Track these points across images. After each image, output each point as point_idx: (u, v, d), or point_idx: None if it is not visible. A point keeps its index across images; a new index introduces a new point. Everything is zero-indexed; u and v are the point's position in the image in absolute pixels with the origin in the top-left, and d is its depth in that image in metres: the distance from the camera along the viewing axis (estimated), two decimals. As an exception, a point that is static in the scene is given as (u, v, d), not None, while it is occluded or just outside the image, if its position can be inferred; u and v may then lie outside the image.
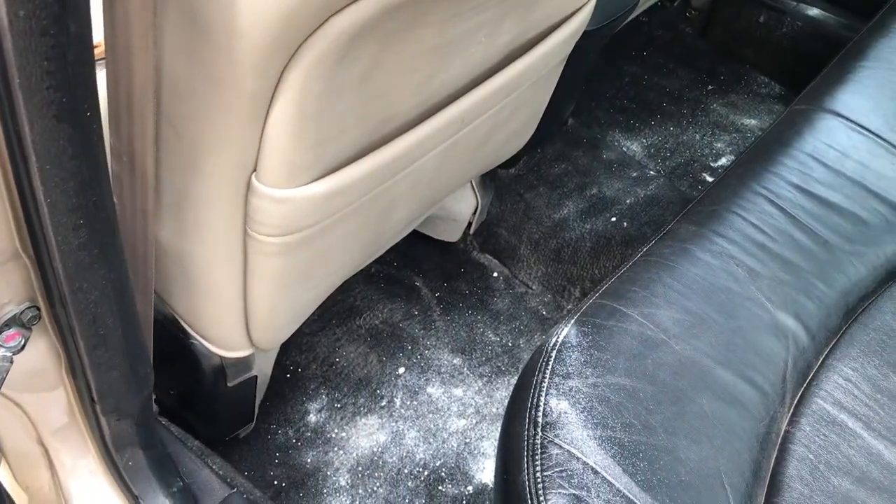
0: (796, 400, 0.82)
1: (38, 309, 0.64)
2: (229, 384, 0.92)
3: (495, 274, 1.35)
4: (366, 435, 1.11)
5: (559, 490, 0.67)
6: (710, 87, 1.79)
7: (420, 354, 1.21)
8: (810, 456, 0.77)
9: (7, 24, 0.41)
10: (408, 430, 1.12)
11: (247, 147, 0.66)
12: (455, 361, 1.21)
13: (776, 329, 0.84)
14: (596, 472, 0.69)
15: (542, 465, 0.69)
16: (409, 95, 0.76)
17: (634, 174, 1.41)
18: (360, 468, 1.08)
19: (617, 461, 0.70)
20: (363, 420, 1.13)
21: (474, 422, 1.14)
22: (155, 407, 0.92)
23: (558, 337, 0.79)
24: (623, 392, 0.74)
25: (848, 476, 0.76)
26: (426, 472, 1.08)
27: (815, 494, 0.74)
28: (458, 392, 1.17)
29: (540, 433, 0.71)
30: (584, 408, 0.73)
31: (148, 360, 0.77)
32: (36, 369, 0.70)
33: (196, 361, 0.90)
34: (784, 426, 0.79)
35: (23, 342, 0.63)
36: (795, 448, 0.78)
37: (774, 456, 0.77)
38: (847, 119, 1.07)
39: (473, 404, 1.15)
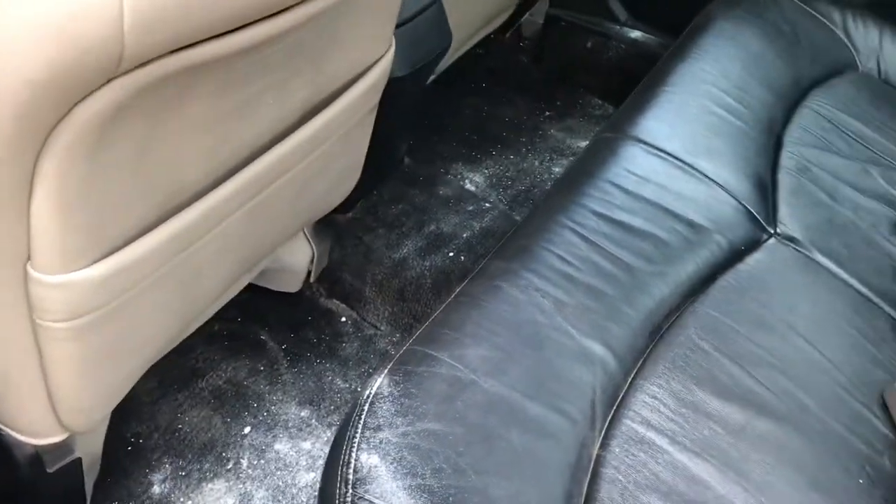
0: (607, 423, 0.85)
1: None
2: (49, 470, 0.89)
3: (343, 318, 1.36)
4: (212, 501, 1.09)
5: (368, 547, 0.68)
6: (547, 114, 1.86)
7: (266, 411, 1.20)
8: (620, 477, 0.80)
9: None
10: (256, 490, 1.11)
11: (16, 236, 0.65)
12: (303, 414, 1.20)
13: (583, 356, 0.87)
14: (406, 525, 0.70)
15: (351, 523, 0.70)
16: (198, 164, 0.76)
17: (470, 208, 1.45)
18: (207, 536, 1.06)
19: (427, 510, 0.71)
20: (209, 486, 1.10)
21: (325, 473, 1.13)
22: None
23: (371, 389, 0.80)
24: (432, 438, 0.76)
25: (656, 492, 0.79)
26: (276, 532, 1.07)
27: (629, 491, 0.78)
28: (307, 445, 1.16)
29: (350, 490, 0.72)
30: (394, 459, 0.74)
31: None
32: None
33: (7, 452, 0.86)
34: (595, 451, 0.83)
35: None
36: (606, 471, 0.81)
37: (587, 481, 0.80)
38: (647, 144, 1.13)
39: (322, 455, 1.15)
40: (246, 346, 1.28)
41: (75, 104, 0.57)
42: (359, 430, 0.76)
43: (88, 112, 0.58)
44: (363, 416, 0.77)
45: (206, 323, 1.27)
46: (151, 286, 0.79)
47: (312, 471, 1.13)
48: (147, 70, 0.59)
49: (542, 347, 0.86)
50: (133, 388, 1.17)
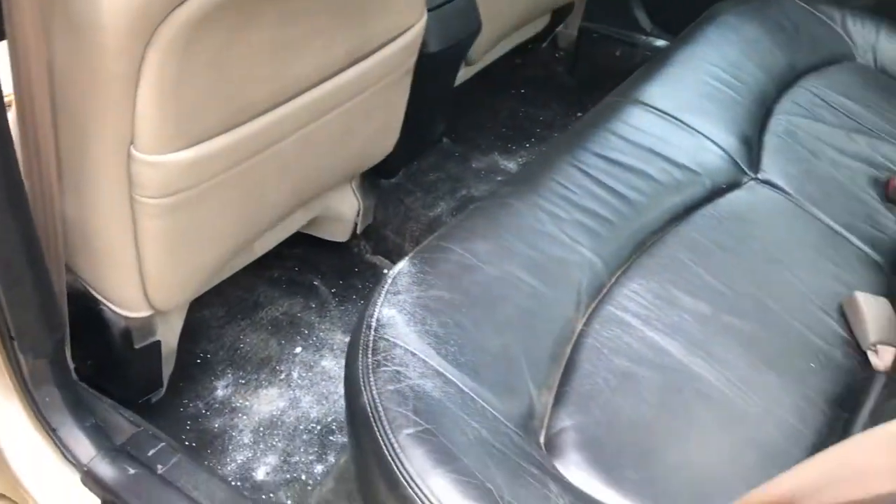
0: (591, 309, 1.01)
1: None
2: (136, 346, 1.09)
3: (385, 270, 1.54)
4: (266, 403, 1.28)
5: (384, 368, 0.86)
6: (579, 114, 2.04)
7: (316, 336, 1.39)
8: (597, 345, 0.96)
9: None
10: (303, 396, 1.29)
11: (123, 122, 0.86)
12: (347, 339, 1.38)
13: (574, 256, 1.04)
14: (414, 355, 0.87)
15: (372, 353, 0.87)
16: (261, 85, 0.97)
17: (499, 178, 1.64)
18: (261, 429, 1.24)
19: (431, 347, 0.88)
20: (264, 391, 1.29)
21: (363, 387, 1.31)
22: (73, 370, 1.08)
23: (396, 269, 0.98)
24: (441, 301, 0.94)
25: (626, 357, 0.95)
26: (319, 427, 1.25)
27: (599, 371, 0.94)
28: (349, 363, 1.35)
29: (372, 333, 0.90)
30: (409, 313, 0.92)
31: (60, 310, 0.94)
32: (-41, 307, 0.87)
33: (106, 326, 1.07)
34: (579, 326, 0.99)
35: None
36: (587, 340, 0.97)
37: (570, 347, 0.96)
38: (645, 104, 1.31)
39: (361, 372, 1.33)
40: (301, 288, 1.48)
41: (174, 7, 0.79)
42: (382, 294, 0.94)
43: (183, 16, 0.80)
44: (386, 286, 0.95)
45: (268, 269, 1.49)
46: (225, 183, 0.99)
47: (352, 383, 1.31)
48: (226, -12, 0.81)
49: (539, 248, 1.04)
50: (203, 314, 1.39)
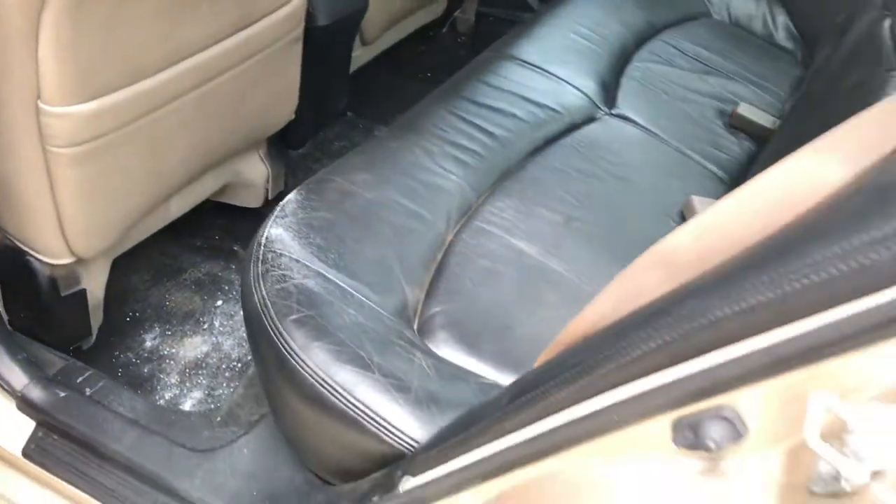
0: (460, 225, 1.16)
1: None
2: (62, 294, 1.21)
3: (300, 235, 1.68)
4: (192, 349, 1.41)
5: (271, 273, 0.99)
6: (481, 90, 2.21)
7: (235, 290, 1.52)
8: (465, 251, 1.11)
9: None
10: (225, 341, 1.42)
11: (28, 77, 0.99)
12: (264, 292, 1.52)
13: (446, 183, 1.19)
14: (298, 261, 1.01)
15: (262, 263, 1.01)
16: (153, 45, 1.11)
17: (400, 143, 1.79)
18: (187, 370, 1.37)
19: (314, 255, 1.02)
20: (189, 340, 1.42)
21: (280, 330, 1.44)
22: (6, 321, 1.20)
23: (285, 200, 1.12)
24: (323, 221, 1.08)
25: (488, 258, 1.10)
26: (240, 365, 1.38)
27: (466, 271, 1.08)
28: (266, 311, 1.48)
29: (262, 248, 1.03)
30: (294, 230, 1.06)
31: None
32: None
33: (33, 276, 1.19)
34: (449, 238, 1.14)
35: None
36: (455, 248, 1.12)
37: (440, 255, 1.11)
38: (515, 57, 1.47)
39: (278, 317, 1.46)
40: (222, 253, 1.61)
41: (63, -27, 0.93)
42: (272, 219, 1.08)
43: (72, -21, 0.94)
44: (275, 212, 1.09)
45: (191, 238, 1.61)
46: (132, 135, 1.12)
47: (269, 326, 1.45)
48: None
49: (414, 176, 1.18)
50: (131, 279, 1.51)
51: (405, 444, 0.86)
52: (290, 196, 1.12)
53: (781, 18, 1.82)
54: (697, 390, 0.52)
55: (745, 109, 1.46)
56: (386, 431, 0.86)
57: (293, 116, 1.52)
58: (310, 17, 1.43)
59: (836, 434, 0.45)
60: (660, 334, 0.56)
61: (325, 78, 1.64)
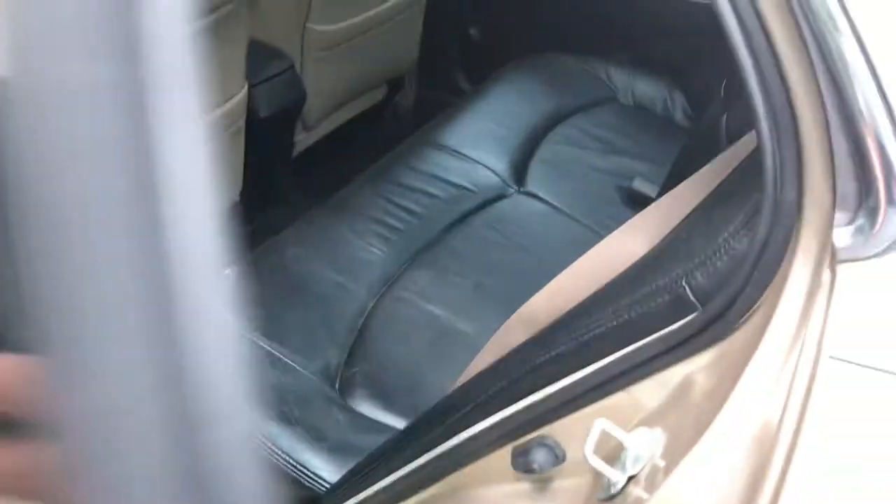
0: (381, 294, 1.31)
1: None
2: None
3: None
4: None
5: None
6: (417, 167, 2.38)
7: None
8: (383, 316, 1.26)
9: None
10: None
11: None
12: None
13: (369, 256, 1.34)
14: (232, 329, 1.14)
15: (200, 332, 1.14)
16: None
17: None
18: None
19: (245, 324, 1.16)
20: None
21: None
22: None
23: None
24: (256, 293, 1.22)
25: (405, 322, 1.25)
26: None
27: (383, 334, 1.23)
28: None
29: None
30: (230, 302, 1.19)
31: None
32: None
33: None
34: (370, 305, 1.28)
35: None
36: (375, 314, 1.26)
37: (362, 321, 1.26)
38: (434, 142, 1.64)
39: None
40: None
41: None
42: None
43: None
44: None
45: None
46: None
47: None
48: None
49: (341, 251, 1.34)
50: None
51: (322, 488, 0.99)
52: (225, 273, 1.26)
53: (680, 100, 2.03)
54: (526, 422, 0.67)
55: (638, 184, 1.64)
56: (304, 476, 0.99)
57: (237, 199, 1.66)
58: (250, 111, 1.59)
59: (616, 453, 0.60)
60: (505, 377, 0.70)
61: (268, 163, 1.79)
